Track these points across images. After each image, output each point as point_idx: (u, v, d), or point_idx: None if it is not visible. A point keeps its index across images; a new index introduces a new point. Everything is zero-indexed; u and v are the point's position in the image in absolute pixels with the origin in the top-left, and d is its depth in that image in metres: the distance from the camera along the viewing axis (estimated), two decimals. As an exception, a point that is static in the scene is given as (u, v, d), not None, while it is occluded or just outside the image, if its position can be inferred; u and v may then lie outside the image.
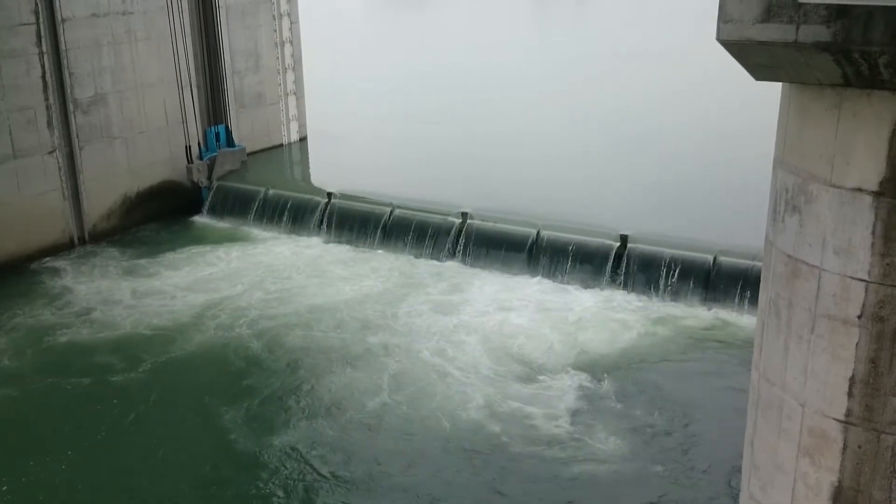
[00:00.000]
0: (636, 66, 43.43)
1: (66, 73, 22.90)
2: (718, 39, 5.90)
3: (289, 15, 30.04)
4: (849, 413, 6.13)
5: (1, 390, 16.66)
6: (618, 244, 20.47)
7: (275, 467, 14.20)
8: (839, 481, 6.28)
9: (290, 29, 30.20)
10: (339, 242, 23.42)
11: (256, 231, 24.57)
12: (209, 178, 26.21)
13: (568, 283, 20.44)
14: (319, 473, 14.08)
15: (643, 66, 43.37)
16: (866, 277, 5.86)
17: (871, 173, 5.73)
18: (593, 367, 17.01)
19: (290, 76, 30.46)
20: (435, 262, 21.94)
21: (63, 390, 16.67)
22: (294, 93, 30.72)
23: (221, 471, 14.30)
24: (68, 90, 23.04)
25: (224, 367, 17.45)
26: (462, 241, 22.02)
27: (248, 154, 28.06)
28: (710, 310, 18.98)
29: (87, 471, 14.30)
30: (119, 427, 15.47)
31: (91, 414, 15.86)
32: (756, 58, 5.94)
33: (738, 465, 7.68)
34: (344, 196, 24.30)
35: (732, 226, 21.04)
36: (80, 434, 15.22)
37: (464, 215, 22.40)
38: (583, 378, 16.64)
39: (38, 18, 22.02)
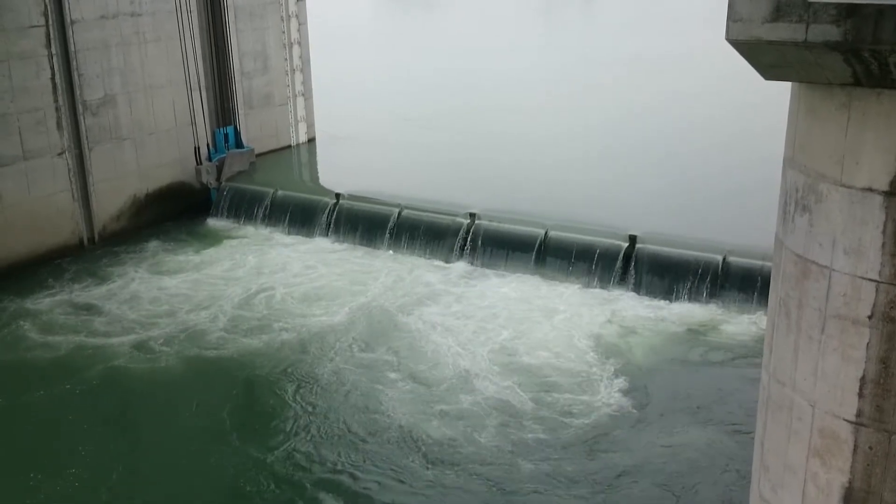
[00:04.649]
0: (645, 68, 43.34)
1: (75, 74, 22.98)
2: (727, 39, 5.88)
3: (297, 16, 30.08)
4: (859, 414, 6.10)
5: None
6: (627, 244, 20.43)
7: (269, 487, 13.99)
8: (850, 482, 6.25)
9: (299, 30, 30.25)
10: (348, 243, 23.44)
11: (265, 232, 24.62)
12: (218, 179, 26.27)
13: (577, 283, 20.42)
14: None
15: (651, 69, 43.28)
16: (877, 277, 5.83)
17: (881, 173, 5.71)
18: (602, 368, 16.98)
19: (299, 77, 30.51)
20: (443, 263, 21.94)
21: (62, 395, 16.65)
22: (302, 94, 30.77)
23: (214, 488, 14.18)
24: (77, 92, 23.12)
25: (229, 373, 17.37)
26: (470, 241, 22.02)
27: (257, 155, 28.12)
28: (719, 310, 18.93)
29: (73, 485, 14.06)
30: (111, 439, 15.39)
31: (88, 423, 15.80)
32: (765, 57, 5.92)
33: (750, 466, 7.66)
34: (352, 197, 24.34)
35: (742, 226, 20.98)
36: (72, 444, 15.05)
37: (472, 216, 22.40)
38: (592, 379, 16.63)
39: (47, 20, 22.11)
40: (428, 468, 14.13)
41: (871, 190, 5.76)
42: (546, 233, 21.36)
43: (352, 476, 13.99)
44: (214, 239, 24.42)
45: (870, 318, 5.92)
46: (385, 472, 14.10)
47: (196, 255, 23.22)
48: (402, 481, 13.87)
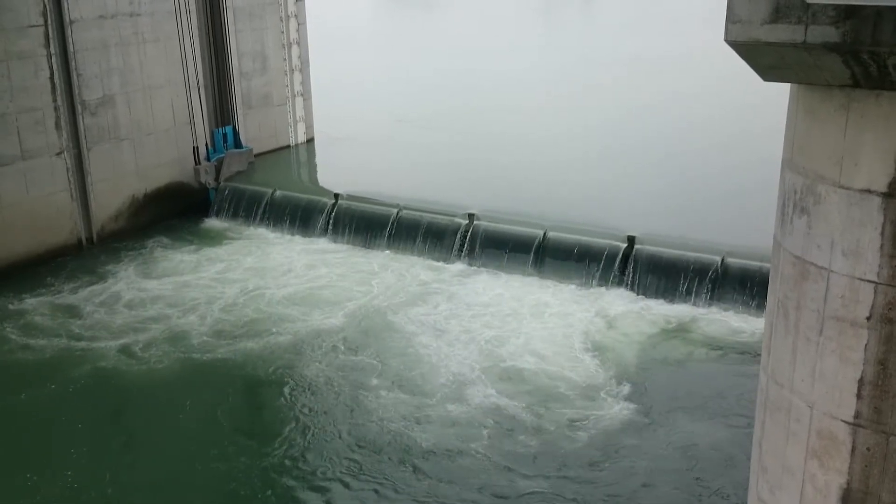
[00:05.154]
0: (644, 69, 43.34)
1: (74, 74, 22.96)
2: (726, 40, 5.88)
3: (296, 16, 30.07)
4: (857, 415, 6.10)
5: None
6: (625, 245, 20.43)
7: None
8: (848, 483, 6.25)
9: (298, 30, 30.24)
10: (346, 243, 23.43)
11: (263, 232, 24.60)
12: (216, 179, 26.26)
13: (575, 283, 20.41)
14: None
15: (651, 69, 43.28)
16: (875, 279, 5.84)
17: (879, 175, 5.71)
18: (601, 369, 16.97)
19: (297, 77, 30.50)
20: (441, 264, 21.92)
21: (58, 395, 16.60)
22: (301, 94, 30.76)
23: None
24: (76, 91, 23.10)
25: (226, 374, 17.31)
26: (469, 242, 22.01)
27: (256, 155, 28.11)
28: (718, 311, 18.92)
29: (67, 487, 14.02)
30: (103, 442, 15.33)
31: (82, 424, 15.75)
32: (764, 59, 5.92)
33: (748, 468, 7.66)
34: (351, 197, 24.33)
35: (740, 227, 20.98)
36: (67, 446, 15.01)
37: (470, 216, 22.39)
38: (591, 380, 16.62)
39: (46, 20, 22.08)
40: (422, 478, 14.11)
41: (869, 191, 5.77)
42: (545, 233, 21.35)
43: (344, 482, 13.95)
44: (213, 239, 24.39)
45: (868, 319, 5.92)
46: (379, 476, 14.09)
47: (194, 254, 23.19)
48: (399, 483, 13.88)
